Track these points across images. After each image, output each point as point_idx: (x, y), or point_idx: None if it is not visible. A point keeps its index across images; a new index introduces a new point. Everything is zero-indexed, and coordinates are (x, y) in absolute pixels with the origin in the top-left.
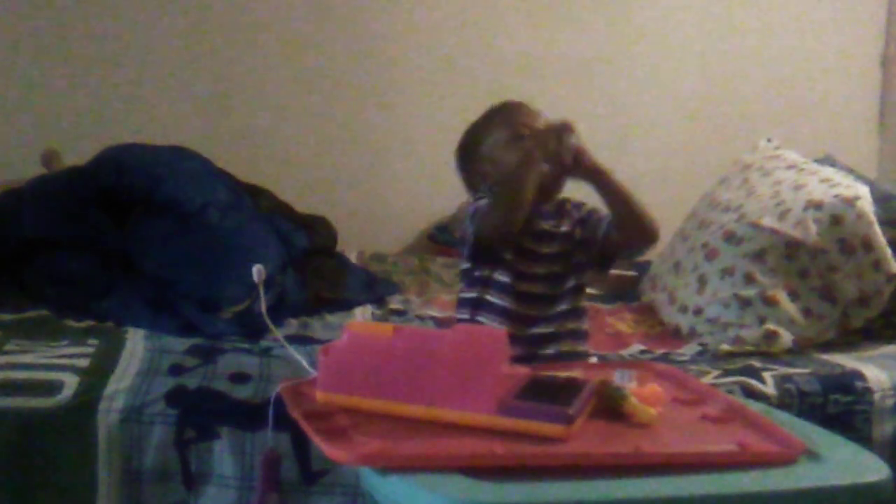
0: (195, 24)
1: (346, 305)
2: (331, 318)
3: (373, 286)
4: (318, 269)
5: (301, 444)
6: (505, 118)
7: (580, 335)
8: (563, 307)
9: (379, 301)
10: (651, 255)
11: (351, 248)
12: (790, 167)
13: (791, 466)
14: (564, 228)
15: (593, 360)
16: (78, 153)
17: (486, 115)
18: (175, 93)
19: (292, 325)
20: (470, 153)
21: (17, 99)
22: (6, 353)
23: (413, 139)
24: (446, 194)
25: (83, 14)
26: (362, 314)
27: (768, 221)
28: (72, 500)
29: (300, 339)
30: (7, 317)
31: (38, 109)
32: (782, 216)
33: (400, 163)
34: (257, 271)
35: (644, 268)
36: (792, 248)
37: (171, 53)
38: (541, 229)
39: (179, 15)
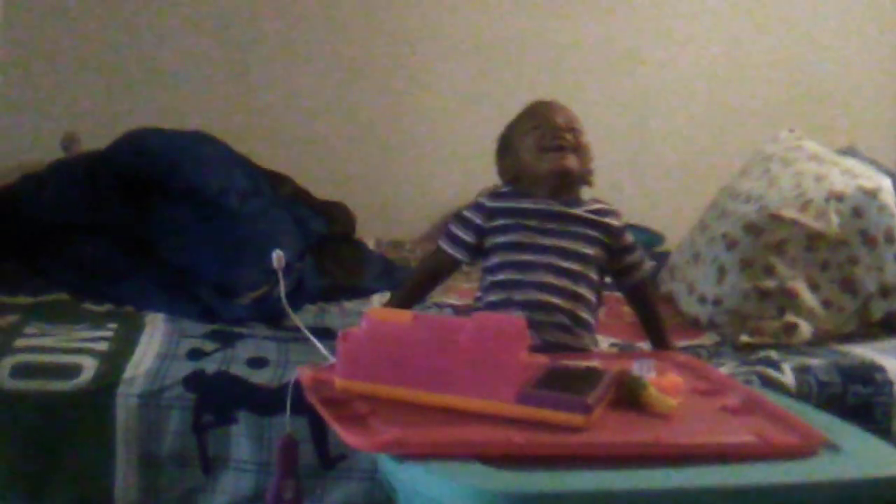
0: (216, 9)
1: (364, 292)
2: (348, 305)
3: (390, 273)
4: (335, 256)
5: (319, 430)
6: (530, 111)
7: (580, 323)
8: (565, 284)
9: (396, 288)
10: (670, 245)
11: (369, 235)
12: (812, 158)
13: (811, 458)
14: (578, 211)
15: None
16: (97, 137)
17: (521, 111)
18: (195, 78)
19: (310, 312)
20: (500, 145)
21: (37, 83)
22: (26, 336)
23: (432, 126)
24: (464, 181)
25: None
26: (380, 301)
27: (789, 212)
28: (89, 483)
29: (318, 327)
30: (26, 300)
31: (57, 93)
32: (803, 207)
33: (418, 150)
34: (277, 257)
35: (663, 258)
36: (813, 239)
37: (192, 39)
38: (556, 210)
39: (199, 3)
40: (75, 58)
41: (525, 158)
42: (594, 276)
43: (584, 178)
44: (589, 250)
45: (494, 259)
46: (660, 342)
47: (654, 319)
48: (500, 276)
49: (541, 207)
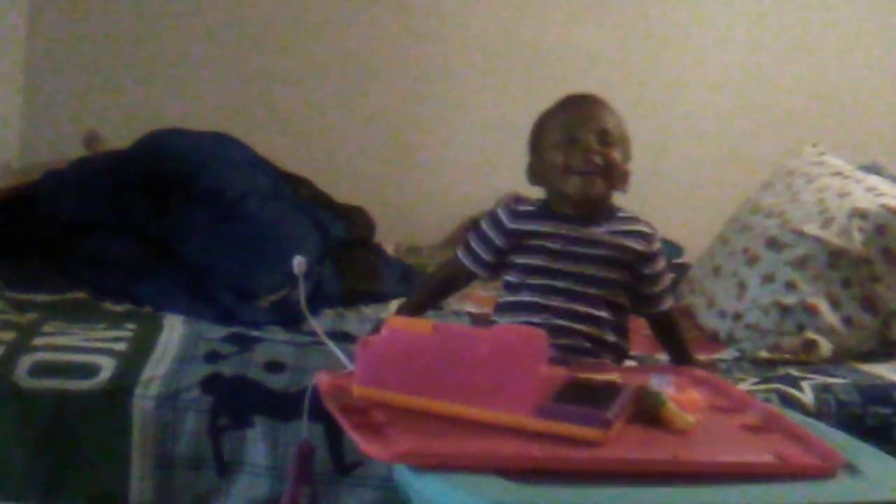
0: (239, 11)
1: (382, 297)
2: (366, 311)
3: (408, 279)
4: (354, 261)
5: (334, 436)
6: (563, 118)
7: (604, 346)
8: (586, 309)
9: (410, 293)
10: (690, 258)
11: (388, 240)
12: (835, 174)
13: (830, 480)
14: (601, 235)
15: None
16: (119, 136)
17: (556, 105)
18: (216, 79)
19: (328, 316)
20: (531, 143)
21: (60, 81)
22: (44, 334)
23: (452, 131)
24: (483, 187)
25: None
26: (398, 307)
27: (811, 229)
28: (104, 483)
29: (336, 331)
30: (46, 298)
31: (80, 91)
32: (826, 224)
33: (438, 155)
34: (298, 263)
35: (682, 271)
36: (835, 256)
37: (214, 40)
38: (578, 235)
39: (223, 3)
40: (98, 57)
41: (551, 173)
42: (621, 298)
43: (616, 188)
44: (612, 274)
45: (514, 278)
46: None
47: (676, 349)
48: (520, 298)
49: (563, 232)
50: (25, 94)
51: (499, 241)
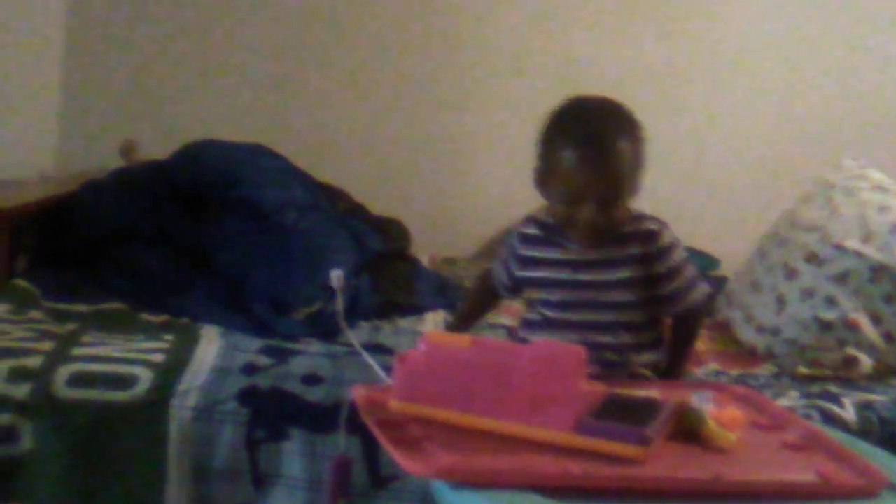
0: (275, 24)
1: (418, 310)
2: (402, 323)
3: (444, 292)
4: (390, 273)
5: (371, 449)
6: (569, 167)
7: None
8: (606, 339)
9: (450, 307)
10: (728, 271)
11: (423, 252)
12: (876, 188)
13: (873, 501)
14: (612, 251)
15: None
16: (156, 146)
17: (565, 127)
18: (253, 90)
19: (363, 329)
20: (538, 149)
21: (98, 91)
22: (83, 345)
23: (487, 143)
24: (519, 198)
25: (164, 10)
26: (433, 320)
27: (852, 243)
28: (141, 495)
29: (371, 344)
30: (84, 308)
31: (117, 101)
32: (867, 238)
33: (473, 166)
34: (336, 277)
35: (720, 284)
36: (876, 271)
37: (252, 51)
38: (587, 260)
39: (260, 14)
40: (135, 67)
41: (555, 211)
42: (642, 315)
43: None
44: (630, 296)
45: (532, 309)
46: (671, 374)
47: (681, 353)
48: (538, 334)
49: (571, 258)
50: (63, 104)
51: (512, 265)
